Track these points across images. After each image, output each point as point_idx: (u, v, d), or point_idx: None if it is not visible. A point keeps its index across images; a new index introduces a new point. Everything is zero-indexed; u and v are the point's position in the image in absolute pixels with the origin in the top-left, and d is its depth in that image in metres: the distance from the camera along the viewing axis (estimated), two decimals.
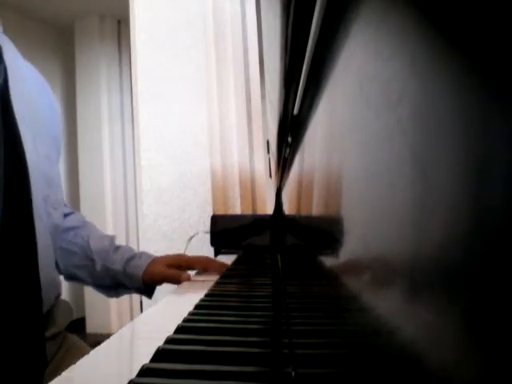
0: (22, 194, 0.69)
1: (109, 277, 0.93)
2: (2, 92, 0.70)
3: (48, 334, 0.74)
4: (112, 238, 0.98)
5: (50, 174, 0.80)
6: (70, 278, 0.95)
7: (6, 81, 0.71)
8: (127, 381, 0.36)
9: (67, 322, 0.85)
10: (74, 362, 0.43)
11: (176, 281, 0.90)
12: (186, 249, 1.37)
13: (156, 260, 0.94)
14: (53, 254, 0.80)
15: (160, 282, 0.93)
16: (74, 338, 0.85)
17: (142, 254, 0.96)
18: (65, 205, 0.97)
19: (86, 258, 0.93)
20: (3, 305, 0.65)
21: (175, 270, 0.93)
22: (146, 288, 0.94)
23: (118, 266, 0.92)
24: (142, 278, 0.91)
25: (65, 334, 0.83)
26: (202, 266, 0.97)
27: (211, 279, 0.86)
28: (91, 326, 3.20)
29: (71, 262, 0.93)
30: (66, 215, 0.96)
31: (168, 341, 0.47)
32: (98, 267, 0.92)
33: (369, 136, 0.15)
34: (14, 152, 0.68)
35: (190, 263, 0.96)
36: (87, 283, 0.96)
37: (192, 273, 0.96)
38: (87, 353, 0.47)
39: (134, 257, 0.94)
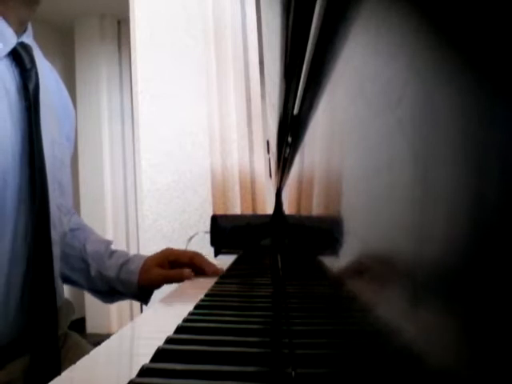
0: (42, 203, 0.69)
1: (103, 283, 0.91)
2: (34, 97, 0.70)
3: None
4: (108, 243, 0.95)
5: (64, 180, 0.80)
6: (65, 281, 0.94)
7: (37, 86, 0.71)
8: (127, 381, 0.36)
9: (69, 321, 0.85)
10: (75, 360, 0.43)
11: (179, 279, 0.89)
12: (186, 249, 1.37)
13: (148, 263, 0.91)
14: (60, 262, 0.81)
15: (161, 285, 0.92)
16: (75, 336, 0.85)
17: (135, 257, 0.94)
18: None
19: (82, 261, 0.91)
20: (20, 312, 0.66)
21: (171, 269, 0.91)
22: (142, 293, 0.92)
23: (111, 272, 0.90)
24: (137, 284, 0.89)
25: (66, 333, 0.84)
26: (188, 259, 0.94)
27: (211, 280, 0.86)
28: (91, 326, 3.20)
29: (67, 265, 0.91)
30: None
31: (168, 341, 0.47)
32: (93, 272, 0.90)
33: (369, 136, 0.15)
34: (37, 160, 0.69)
35: (177, 256, 0.93)
36: (83, 287, 0.94)
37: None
38: (88, 351, 0.47)
39: (127, 262, 0.91)
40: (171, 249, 0.98)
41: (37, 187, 0.68)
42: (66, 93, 0.90)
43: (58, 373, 0.59)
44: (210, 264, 0.94)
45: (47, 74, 0.82)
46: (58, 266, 0.78)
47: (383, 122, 0.13)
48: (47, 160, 0.72)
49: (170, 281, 0.91)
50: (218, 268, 0.94)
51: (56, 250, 0.76)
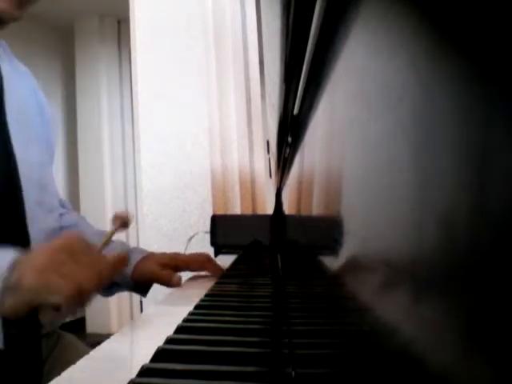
0: (14, 201, 0.70)
1: None
2: None
3: (41, 332, 0.74)
4: (105, 233, 0.96)
5: (44, 178, 0.82)
6: None
7: (1, 89, 0.72)
8: (127, 381, 0.36)
9: (61, 321, 0.85)
10: (70, 361, 0.43)
11: (167, 283, 0.86)
12: (185, 249, 1.37)
13: (149, 257, 0.89)
14: None
15: (150, 282, 0.89)
16: (69, 337, 0.85)
17: (135, 249, 0.92)
18: (62, 205, 0.98)
19: None
20: None
21: (169, 270, 0.88)
22: (138, 286, 0.89)
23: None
24: (131, 276, 0.87)
25: (60, 333, 0.83)
26: (198, 266, 0.92)
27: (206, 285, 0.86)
28: (91, 326, 3.20)
29: None
30: (61, 214, 0.95)
31: (168, 341, 0.47)
32: None
33: (369, 136, 0.15)
34: (6, 160, 0.70)
35: (186, 263, 0.91)
36: None
37: (191, 274, 0.94)
38: (83, 351, 0.47)
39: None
40: (181, 254, 0.96)
41: (9, 185, 0.70)
42: (43, 100, 0.90)
43: (39, 370, 0.60)
44: (219, 269, 0.93)
45: (16, 76, 0.83)
46: None
47: (383, 122, 0.13)
48: (20, 159, 0.73)
49: (158, 282, 0.88)
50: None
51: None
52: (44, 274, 0.54)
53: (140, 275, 0.87)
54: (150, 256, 0.90)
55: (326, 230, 0.25)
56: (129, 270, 0.87)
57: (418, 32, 0.11)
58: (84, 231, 0.93)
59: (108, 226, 0.85)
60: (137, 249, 0.93)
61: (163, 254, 0.92)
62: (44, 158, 0.84)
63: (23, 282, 0.54)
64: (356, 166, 0.17)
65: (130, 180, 3.25)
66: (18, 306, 0.56)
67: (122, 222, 0.82)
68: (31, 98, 0.85)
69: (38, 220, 0.77)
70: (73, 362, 0.43)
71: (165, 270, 0.87)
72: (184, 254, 0.98)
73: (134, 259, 0.88)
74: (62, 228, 0.92)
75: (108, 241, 0.79)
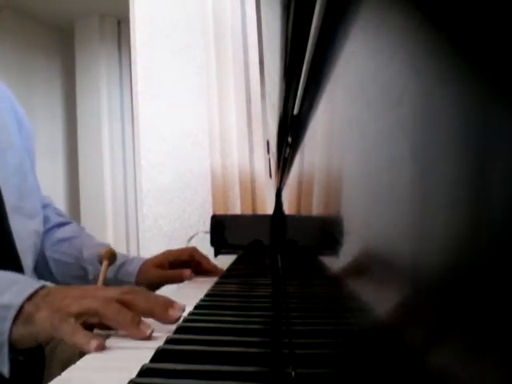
0: None
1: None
2: None
3: None
4: (105, 247, 0.97)
5: (23, 185, 0.84)
6: None
7: None
8: (127, 381, 0.36)
9: None
10: (69, 361, 0.43)
11: (179, 279, 0.89)
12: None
13: (146, 264, 0.92)
14: (33, 258, 0.83)
15: (160, 286, 0.91)
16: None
17: (134, 259, 0.94)
18: (60, 214, 1.00)
19: (80, 268, 0.92)
20: None
21: (171, 270, 0.91)
22: None
23: (109, 273, 0.91)
24: (135, 285, 0.89)
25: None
26: (188, 255, 0.95)
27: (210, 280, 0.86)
28: None
29: (68, 273, 0.93)
30: (59, 225, 0.97)
31: (168, 341, 0.47)
32: (91, 276, 0.91)
33: (369, 136, 0.15)
34: None
35: (176, 256, 0.94)
36: None
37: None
38: (76, 352, 0.47)
39: (124, 263, 0.92)
40: (170, 250, 0.99)
41: None
42: (19, 111, 0.93)
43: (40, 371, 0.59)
44: (207, 258, 0.96)
45: None
46: (30, 260, 0.81)
47: (383, 122, 0.13)
48: None
49: (168, 281, 0.91)
50: (216, 264, 0.96)
51: (22, 245, 0.79)
52: (58, 315, 0.52)
53: (145, 282, 0.89)
54: (146, 263, 0.92)
55: (326, 230, 0.25)
56: (131, 279, 0.89)
57: (418, 32, 0.11)
58: (84, 243, 0.94)
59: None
60: (135, 258, 0.96)
61: (156, 257, 0.95)
62: (25, 163, 0.87)
63: (37, 317, 0.53)
64: (356, 165, 0.17)
65: (130, 180, 3.25)
66: (28, 337, 0.55)
67: (111, 257, 0.86)
68: (7, 111, 0.88)
69: (18, 225, 0.79)
70: (73, 361, 0.43)
71: (167, 270, 0.90)
72: (173, 250, 0.99)
73: (134, 269, 0.90)
74: (62, 240, 0.93)
75: (105, 278, 0.82)
